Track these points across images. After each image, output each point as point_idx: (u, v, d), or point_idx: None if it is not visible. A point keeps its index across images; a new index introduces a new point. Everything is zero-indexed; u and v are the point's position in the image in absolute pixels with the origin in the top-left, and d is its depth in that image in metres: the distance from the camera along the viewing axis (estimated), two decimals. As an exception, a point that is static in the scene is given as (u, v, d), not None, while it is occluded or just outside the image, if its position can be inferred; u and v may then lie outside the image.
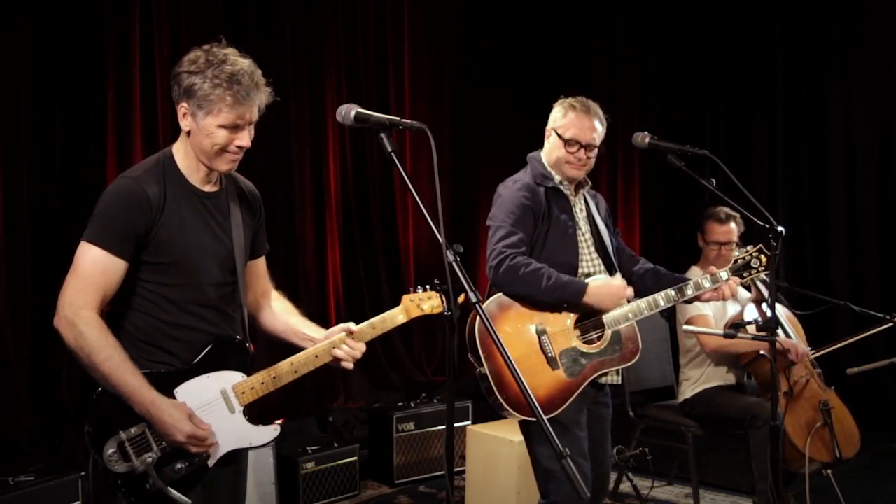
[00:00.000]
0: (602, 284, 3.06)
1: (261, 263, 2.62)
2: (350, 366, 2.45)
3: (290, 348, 2.51)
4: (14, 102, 4.65)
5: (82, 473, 3.71)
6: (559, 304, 3.03)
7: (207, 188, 2.39)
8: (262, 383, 2.39)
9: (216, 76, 2.22)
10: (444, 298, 2.09)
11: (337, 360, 2.45)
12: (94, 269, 2.22)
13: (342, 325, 2.49)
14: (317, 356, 2.44)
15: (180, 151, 2.37)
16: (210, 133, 2.27)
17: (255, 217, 2.54)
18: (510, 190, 3.16)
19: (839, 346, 4.09)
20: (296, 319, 2.59)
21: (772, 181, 6.93)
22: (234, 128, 2.27)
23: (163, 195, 2.29)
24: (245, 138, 2.31)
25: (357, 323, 2.51)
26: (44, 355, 4.62)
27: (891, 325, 4.02)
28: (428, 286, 2.54)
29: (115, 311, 2.35)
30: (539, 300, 3.01)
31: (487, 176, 7.10)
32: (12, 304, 4.60)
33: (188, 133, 2.31)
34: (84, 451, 4.59)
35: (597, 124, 3.16)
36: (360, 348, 2.45)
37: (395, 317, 2.53)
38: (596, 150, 3.18)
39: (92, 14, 4.91)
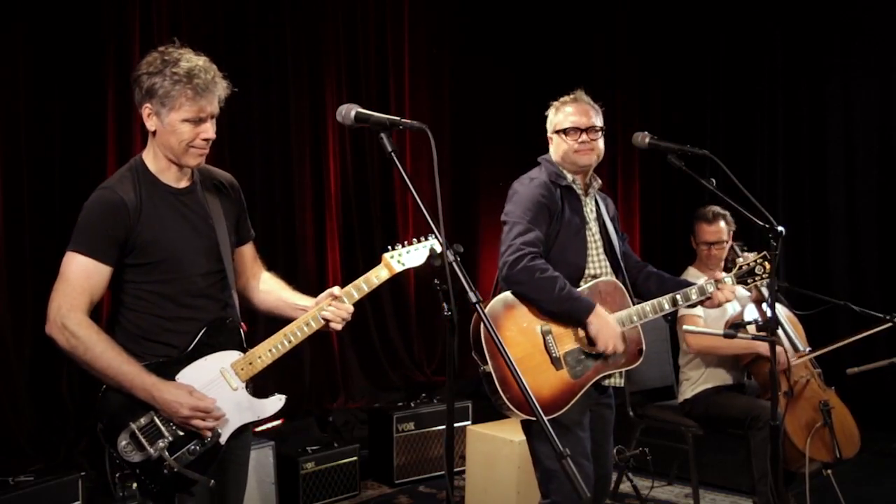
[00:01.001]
0: (609, 320, 3.03)
1: (248, 249, 2.70)
2: (338, 326, 2.51)
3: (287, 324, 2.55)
4: (14, 102, 4.66)
5: (82, 473, 3.72)
6: (562, 315, 3.02)
7: (181, 185, 2.46)
8: (260, 358, 2.47)
9: (175, 73, 2.30)
10: (442, 293, 2.09)
11: (326, 323, 2.50)
12: (79, 275, 2.31)
13: (327, 291, 2.55)
14: (307, 324, 2.50)
15: (149, 154, 2.44)
16: (175, 129, 2.34)
17: (235, 205, 2.60)
18: (527, 187, 3.15)
19: (838, 346, 4.08)
20: (287, 293, 2.67)
21: (772, 181, 6.92)
22: (198, 121, 2.34)
23: (139, 199, 2.37)
24: (209, 131, 2.38)
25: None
26: (44, 355, 4.62)
27: (890, 325, 4.01)
28: (405, 241, 2.60)
29: (113, 313, 2.44)
30: (544, 307, 3.01)
31: (487, 176, 7.12)
32: (12, 304, 4.60)
33: (154, 133, 2.39)
34: (84, 450, 4.63)
35: (588, 108, 3.20)
36: (346, 308, 2.51)
37: (379, 274, 2.58)
38: (600, 134, 3.19)
39: (92, 14, 4.92)
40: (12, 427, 4.51)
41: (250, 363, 2.46)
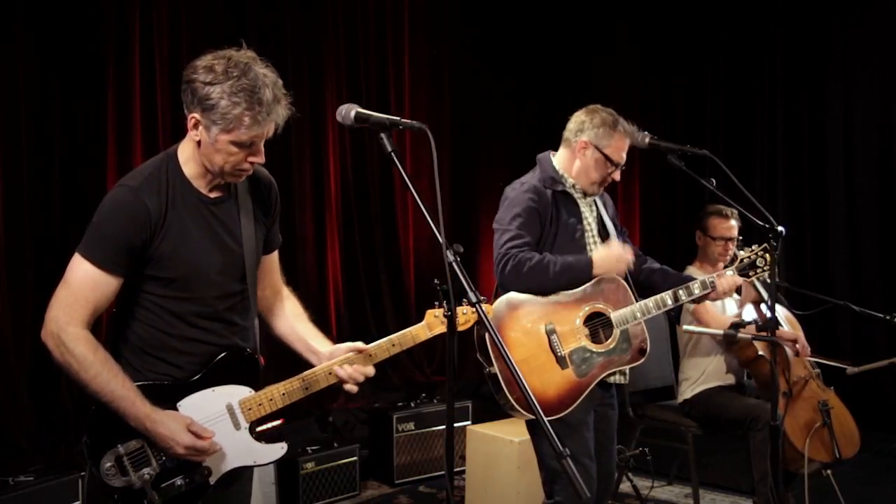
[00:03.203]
0: (605, 254, 3.10)
1: (273, 258, 2.48)
2: (354, 389, 2.35)
3: (301, 361, 2.43)
4: (14, 102, 4.65)
5: (82, 473, 3.71)
6: (572, 285, 3.05)
7: (214, 194, 2.25)
8: (271, 400, 2.29)
9: (235, 92, 2.06)
10: (441, 293, 2.03)
11: (341, 380, 2.35)
12: (85, 284, 2.12)
13: (349, 345, 2.39)
14: (329, 373, 2.36)
15: (185, 153, 2.22)
16: (222, 149, 2.12)
17: (269, 211, 2.39)
18: (517, 192, 3.16)
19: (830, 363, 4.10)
20: (303, 327, 2.49)
21: (772, 181, 6.92)
22: (250, 145, 2.14)
23: (164, 206, 2.15)
24: (260, 155, 2.17)
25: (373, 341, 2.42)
26: (44, 355, 4.53)
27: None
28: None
29: (118, 320, 2.27)
30: (550, 288, 3.02)
31: (487, 176, 7.11)
32: (12, 304, 4.60)
33: (198, 143, 2.16)
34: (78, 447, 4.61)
35: (628, 147, 3.20)
36: (364, 372, 2.35)
37: (418, 333, 2.43)
38: None
39: (92, 14, 4.91)
40: (12, 427, 4.50)
41: (260, 404, 2.27)
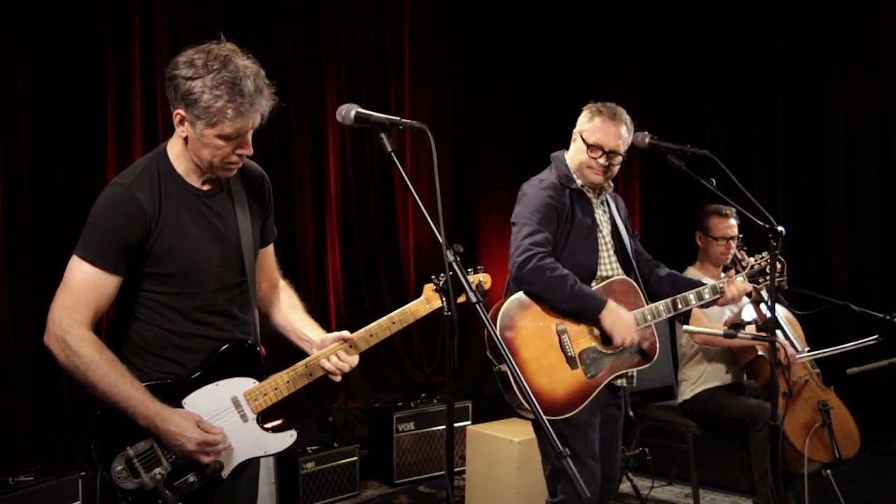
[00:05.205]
0: (622, 313, 3.04)
1: (269, 251, 2.47)
2: (337, 378, 2.35)
3: (301, 350, 2.42)
4: (14, 102, 4.66)
5: (82, 473, 3.72)
6: (574, 312, 3.02)
7: (207, 186, 2.24)
8: (276, 389, 2.29)
9: (216, 85, 2.04)
10: (444, 298, 2.03)
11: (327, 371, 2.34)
12: (85, 285, 2.10)
13: (337, 334, 2.37)
14: (332, 358, 2.35)
15: (174, 150, 2.21)
16: (209, 143, 2.11)
17: (263, 204, 2.38)
18: (536, 189, 3.15)
19: (835, 350, 4.08)
20: (296, 316, 2.48)
21: (772, 181, 6.92)
22: (237, 137, 2.12)
23: (158, 200, 2.15)
24: (248, 147, 2.16)
25: (352, 329, 2.40)
26: (44, 355, 4.52)
27: (875, 341, 4.00)
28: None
29: (118, 321, 2.26)
30: (556, 305, 3.01)
31: (487, 176, 7.12)
32: (12, 304, 4.60)
33: (185, 139, 2.16)
34: (84, 450, 4.61)
35: (622, 131, 3.12)
36: (349, 361, 2.34)
37: (417, 308, 2.41)
38: (620, 158, 3.15)
39: (92, 13, 4.92)
40: (12, 427, 4.50)
41: (265, 394, 2.27)
